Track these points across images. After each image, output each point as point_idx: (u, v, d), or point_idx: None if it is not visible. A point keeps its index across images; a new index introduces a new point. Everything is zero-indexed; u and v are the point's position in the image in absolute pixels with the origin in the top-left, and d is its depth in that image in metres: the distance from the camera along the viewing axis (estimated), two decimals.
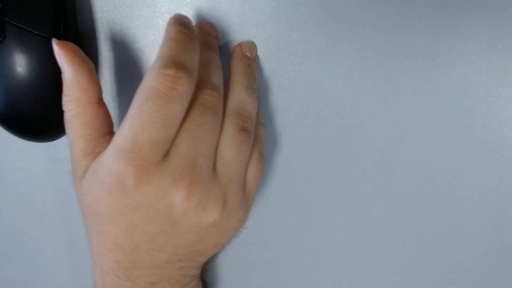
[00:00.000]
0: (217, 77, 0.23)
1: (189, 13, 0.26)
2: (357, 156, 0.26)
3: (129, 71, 0.27)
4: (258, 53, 0.26)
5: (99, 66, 0.28)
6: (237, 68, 0.25)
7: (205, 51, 0.24)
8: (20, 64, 0.24)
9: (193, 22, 0.25)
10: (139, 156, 0.20)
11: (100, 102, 0.23)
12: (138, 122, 0.20)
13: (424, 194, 0.26)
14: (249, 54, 0.25)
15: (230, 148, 0.22)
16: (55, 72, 0.23)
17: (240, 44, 0.25)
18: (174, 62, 0.20)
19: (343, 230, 0.28)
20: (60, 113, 0.23)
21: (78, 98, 0.22)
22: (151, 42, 0.26)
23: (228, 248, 0.30)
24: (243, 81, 0.24)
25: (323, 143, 0.26)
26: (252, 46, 0.25)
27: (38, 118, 0.25)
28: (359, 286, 0.29)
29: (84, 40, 0.27)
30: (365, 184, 0.27)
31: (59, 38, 0.24)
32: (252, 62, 0.25)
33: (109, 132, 0.23)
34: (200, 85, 0.22)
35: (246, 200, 0.24)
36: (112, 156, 0.21)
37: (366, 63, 0.24)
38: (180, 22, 0.22)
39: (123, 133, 0.21)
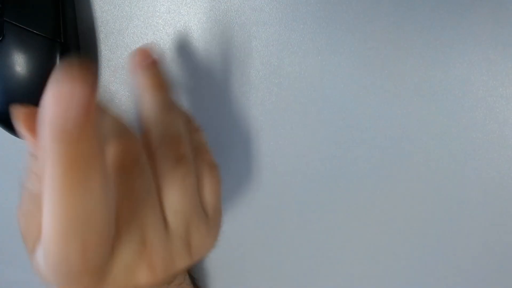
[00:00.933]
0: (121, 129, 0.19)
1: (188, 13, 0.26)
2: (357, 156, 0.26)
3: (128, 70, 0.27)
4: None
5: (99, 66, 0.28)
6: (141, 84, 0.21)
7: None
8: (20, 63, 0.24)
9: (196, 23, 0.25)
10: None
11: None
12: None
13: (424, 194, 0.26)
14: (147, 62, 0.22)
15: (174, 191, 0.19)
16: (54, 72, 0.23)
17: (133, 55, 0.22)
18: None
19: (342, 230, 0.28)
20: None
21: None
22: (150, 41, 0.26)
23: (221, 245, 0.30)
24: (154, 100, 0.21)
25: (323, 143, 0.26)
26: (144, 50, 0.22)
27: None
28: (358, 286, 0.29)
29: (84, 40, 0.27)
30: (365, 184, 0.27)
31: (59, 37, 0.24)
32: (154, 68, 0.22)
33: None
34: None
35: (214, 221, 0.22)
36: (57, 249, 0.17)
37: (366, 63, 0.24)
38: None
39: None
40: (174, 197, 0.19)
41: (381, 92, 0.25)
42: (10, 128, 0.26)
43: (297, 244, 0.29)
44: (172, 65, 0.27)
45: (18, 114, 0.19)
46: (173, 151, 0.20)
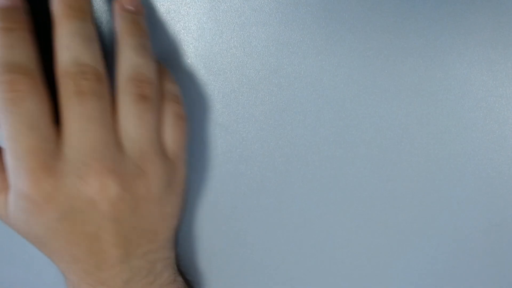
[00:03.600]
0: (87, 52, 0.21)
1: (188, 13, 0.26)
2: (357, 156, 0.26)
3: None
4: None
5: None
6: (121, 27, 0.22)
7: (68, 24, 0.21)
8: None
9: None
10: (30, 170, 0.19)
11: None
12: (5, 136, 0.19)
13: (424, 194, 0.26)
14: (132, 8, 0.23)
15: (131, 121, 0.21)
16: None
17: None
18: (3, 66, 0.19)
19: (342, 230, 0.28)
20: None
21: None
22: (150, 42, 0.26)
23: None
24: (130, 42, 0.22)
25: (323, 143, 0.26)
26: None
27: None
28: (357, 286, 0.29)
29: None
30: (365, 184, 0.27)
31: None
32: (138, 16, 0.23)
33: None
34: (70, 70, 0.20)
35: (172, 165, 0.23)
36: (13, 183, 0.20)
37: (366, 63, 0.24)
38: None
39: (5, 154, 0.20)
40: (130, 126, 0.21)
41: (381, 92, 0.25)
42: None
43: (295, 245, 0.29)
44: (172, 65, 0.27)
45: None
46: (137, 89, 0.21)
